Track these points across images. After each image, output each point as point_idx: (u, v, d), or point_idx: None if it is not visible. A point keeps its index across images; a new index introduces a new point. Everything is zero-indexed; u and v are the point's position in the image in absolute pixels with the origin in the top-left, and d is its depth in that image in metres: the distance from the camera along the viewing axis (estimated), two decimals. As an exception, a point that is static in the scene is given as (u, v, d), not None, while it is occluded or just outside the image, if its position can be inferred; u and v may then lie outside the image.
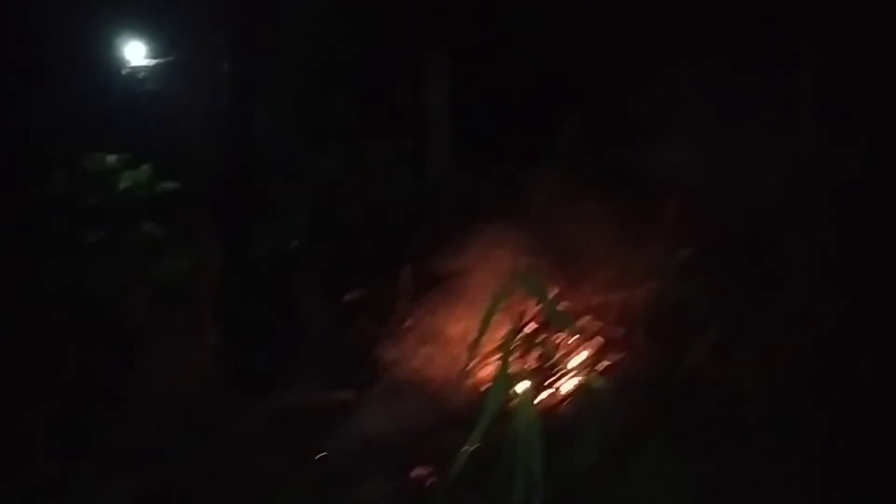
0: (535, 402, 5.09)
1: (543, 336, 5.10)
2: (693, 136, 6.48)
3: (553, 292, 5.67)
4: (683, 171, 6.20)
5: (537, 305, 4.04)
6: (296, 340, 6.08)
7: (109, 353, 5.38)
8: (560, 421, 4.62)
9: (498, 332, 3.19)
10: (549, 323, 5.03)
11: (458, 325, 5.87)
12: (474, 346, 2.70)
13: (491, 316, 2.71)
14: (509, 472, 2.60)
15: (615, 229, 6.07)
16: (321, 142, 7.46)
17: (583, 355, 5.00)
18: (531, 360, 5.23)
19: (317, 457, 4.58)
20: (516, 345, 2.66)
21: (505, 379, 2.57)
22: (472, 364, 3.71)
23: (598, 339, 5.11)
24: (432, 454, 4.49)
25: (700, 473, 3.95)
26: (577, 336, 2.84)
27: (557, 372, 5.00)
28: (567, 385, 5.00)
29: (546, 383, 5.19)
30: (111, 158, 6.98)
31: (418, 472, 4.32)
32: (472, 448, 2.60)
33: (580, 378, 4.22)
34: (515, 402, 2.55)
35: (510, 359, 2.63)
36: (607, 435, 3.92)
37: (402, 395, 5.30)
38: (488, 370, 5.05)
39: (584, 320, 5.27)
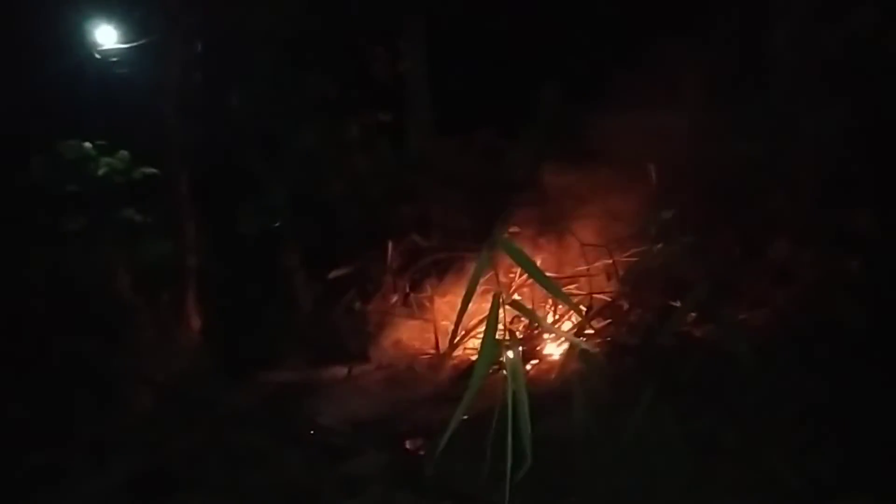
0: (525, 369, 5.15)
1: (530, 304, 5.11)
2: (674, 102, 6.48)
3: (538, 260, 5.70)
4: (665, 135, 6.20)
5: (522, 273, 4.02)
6: (283, 319, 6.05)
7: (95, 338, 5.32)
8: (550, 386, 4.63)
9: (484, 304, 3.18)
10: (536, 290, 5.05)
11: (445, 297, 5.87)
12: (460, 317, 2.68)
13: (475, 285, 2.68)
14: (499, 437, 2.58)
15: (598, 196, 6.07)
16: (299, 118, 7.36)
17: (570, 322, 5.02)
18: (519, 329, 5.25)
19: (308, 433, 4.57)
20: (503, 312, 2.62)
21: (492, 345, 2.55)
22: (459, 336, 3.70)
23: (586, 305, 5.12)
24: (423, 426, 4.51)
25: (691, 431, 3.98)
26: (564, 302, 2.82)
27: (546, 339, 5.03)
28: (556, 351, 5.03)
29: (535, 350, 5.22)
30: (88, 145, 6.89)
31: (410, 443, 4.33)
32: (463, 416, 2.58)
33: (568, 343, 4.21)
34: (504, 366, 2.53)
35: (497, 327, 2.60)
36: (597, 398, 3.92)
37: (391, 369, 5.31)
38: (476, 342, 5.07)
39: (571, 287, 5.27)
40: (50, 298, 5.85)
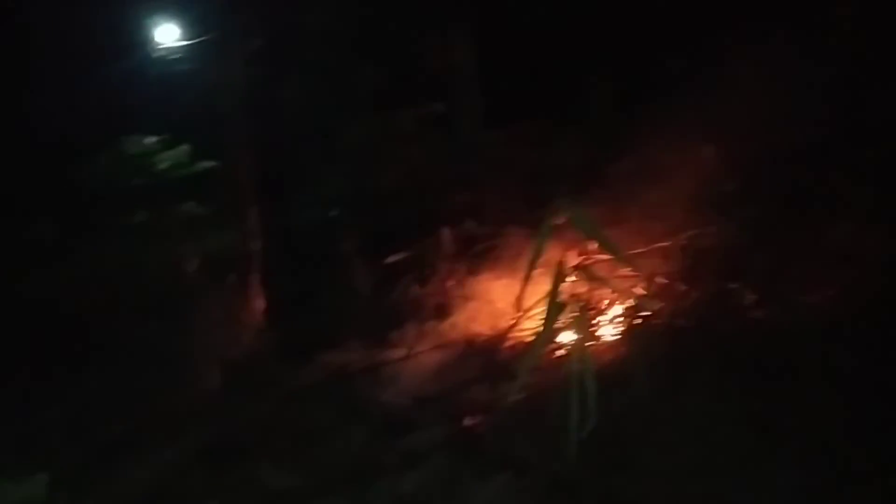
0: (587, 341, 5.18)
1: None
2: (729, 86, 6.42)
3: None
4: (721, 120, 6.15)
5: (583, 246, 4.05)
6: (342, 303, 6.19)
7: (164, 321, 5.55)
8: (609, 366, 4.66)
9: (541, 286, 3.24)
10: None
11: (499, 281, 5.92)
12: (528, 274, 2.75)
13: (540, 250, 2.75)
14: (565, 400, 2.65)
15: (653, 179, 6.06)
16: (354, 110, 7.50)
17: (631, 299, 5.02)
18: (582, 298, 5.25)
19: (371, 409, 4.69)
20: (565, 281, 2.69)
21: (557, 307, 2.62)
22: (521, 308, 3.73)
23: (646, 284, 5.12)
24: (481, 404, 4.59)
25: (751, 410, 3.98)
26: (627, 274, 2.86)
27: (607, 312, 5.04)
28: (617, 325, 5.04)
29: (597, 322, 5.23)
30: (150, 140, 7.15)
31: (469, 419, 4.41)
32: (532, 366, 2.66)
33: (630, 316, 4.23)
34: (568, 324, 2.60)
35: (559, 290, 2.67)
36: (657, 375, 3.95)
37: (449, 350, 5.39)
38: (532, 324, 5.11)
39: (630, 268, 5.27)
40: (119, 286, 6.10)
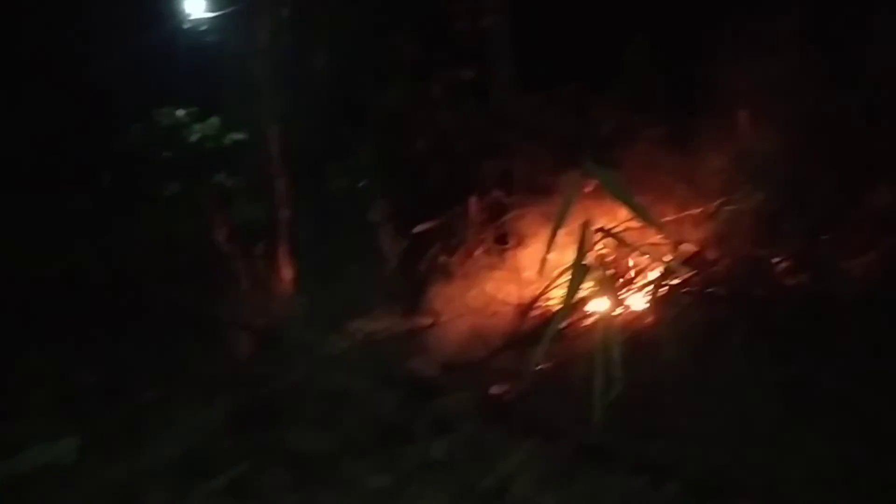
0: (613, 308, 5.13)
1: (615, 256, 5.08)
2: (769, 49, 6.24)
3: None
4: (760, 83, 5.99)
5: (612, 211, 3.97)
6: (370, 272, 6.21)
7: (195, 288, 5.63)
8: (639, 334, 4.61)
9: (568, 255, 3.18)
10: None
11: (528, 249, 5.87)
12: (552, 239, 2.71)
13: (565, 210, 2.71)
14: (591, 364, 2.62)
15: (689, 145, 5.94)
16: (384, 78, 7.46)
17: (660, 265, 4.94)
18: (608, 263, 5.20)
19: (401, 375, 4.71)
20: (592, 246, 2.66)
21: (582, 269, 2.58)
22: (545, 274, 3.69)
23: (677, 250, 5.04)
24: (508, 371, 4.58)
25: (783, 376, 3.92)
26: (657, 240, 2.80)
27: (636, 277, 4.98)
28: (647, 291, 4.98)
29: (621, 300, 5.19)
30: (181, 112, 7.21)
31: (497, 386, 4.40)
32: (558, 328, 2.63)
33: (661, 282, 4.16)
34: (595, 290, 2.56)
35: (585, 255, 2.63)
36: (689, 342, 3.90)
37: (477, 317, 5.38)
38: (558, 293, 5.07)
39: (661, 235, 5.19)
40: (152, 254, 6.20)
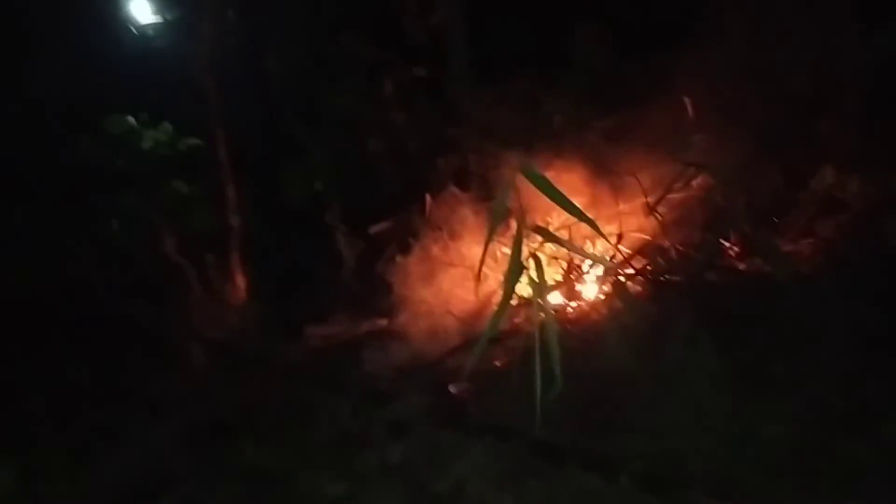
0: (564, 306, 5.15)
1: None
2: (719, 38, 6.29)
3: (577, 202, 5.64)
4: (709, 72, 6.04)
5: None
6: (327, 275, 6.16)
7: (144, 301, 5.53)
8: (591, 326, 4.63)
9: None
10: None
11: (489, 245, 5.85)
12: (488, 239, 2.71)
13: (499, 214, 2.69)
14: (530, 367, 2.61)
15: (640, 135, 5.97)
16: (335, 78, 7.39)
17: (608, 260, 4.97)
18: (558, 271, 5.24)
19: (356, 382, 4.67)
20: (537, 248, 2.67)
21: (517, 268, 2.57)
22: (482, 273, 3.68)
23: (617, 241, 5.06)
24: (466, 371, 4.56)
25: (735, 362, 3.94)
26: (592, 228, 2.82)
27: (584, 281, 5.00)
28: (595, 293, 5.01)
29: (575, 292, 5.21)
30: (132, 119, 7.06)
31: (453, 387, 4.38)
32: (489, 337, 2.62)
33: (607, 281, 4.18)
34: (531, 291, 2.55)
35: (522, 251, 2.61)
36: (638, 333, 3.91)
37: (434, 318, 5.35)
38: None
39: (610, 228, 5.21)
40: (100, 267, 6.07)
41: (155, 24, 7.67)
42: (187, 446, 4.12)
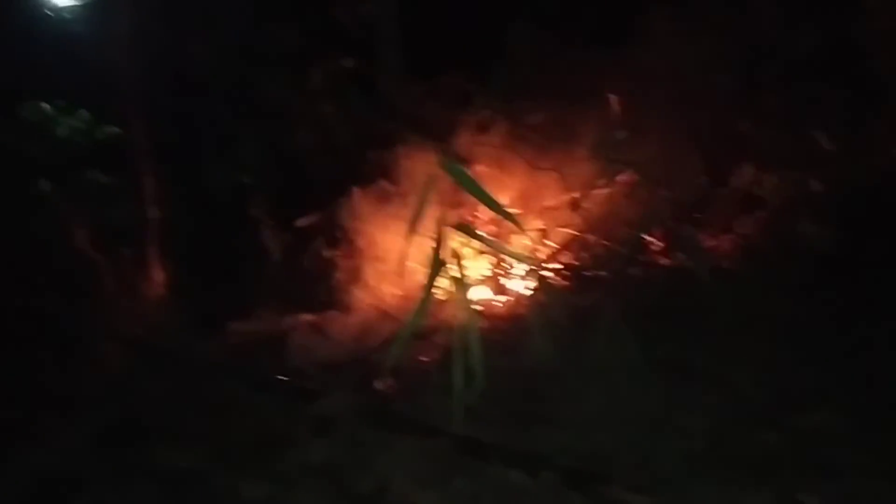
0: (491, 300, 5.16)
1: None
2: (645, 37, 6.39)
3: (504, 199, 5.67)
4: (635, 69, 6.13)
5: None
6: (252, 269, 6.01)
7: (56, 296, 5.29)
8: (519, 321, 4.64)
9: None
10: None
11: (414, 241, 5.80)
12: (411, 235, 2.67)
13: (421, 210, 2.65)
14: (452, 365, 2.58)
15: (566, 132, 6.01)
16: (264, 68, 7.22)
17: (534, 255, 5.00)
18: (489, 266, 5.24)
19: (279, 379, 4.56)
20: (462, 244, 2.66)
21: (438, 266, 2.54)
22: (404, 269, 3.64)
23: (550, 238, 5.10)
24: (392, 367, 4.50)
25: (657, 356, 4.00)
26: (512, 222, 2.82)
27: (509, 273, 5.01)
28: (520, 284, 5.02)
29: (504, 287, 5.22)
30: (47, 106, 6.75)
31: (379, 383, 4.33)
32: (408, 336, 2.58)
33: (533, 276, 4.20)
34: (452, 292, 2.53)
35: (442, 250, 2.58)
36: (563, 328, 3.92)
37: (361, 313, 5.28)
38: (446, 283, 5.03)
39: (537, 223, 5.25)
40: (11, 259, 5.78)
41: (72, 6, 7.37)
42: (100, 446, 3.94)
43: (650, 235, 4.99)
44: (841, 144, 5.26)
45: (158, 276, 5.78)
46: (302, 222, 6.21)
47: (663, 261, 4.90)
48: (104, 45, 6.55)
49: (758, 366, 4.05)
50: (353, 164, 6.76)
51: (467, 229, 2.70)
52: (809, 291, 4.55)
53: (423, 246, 4.79)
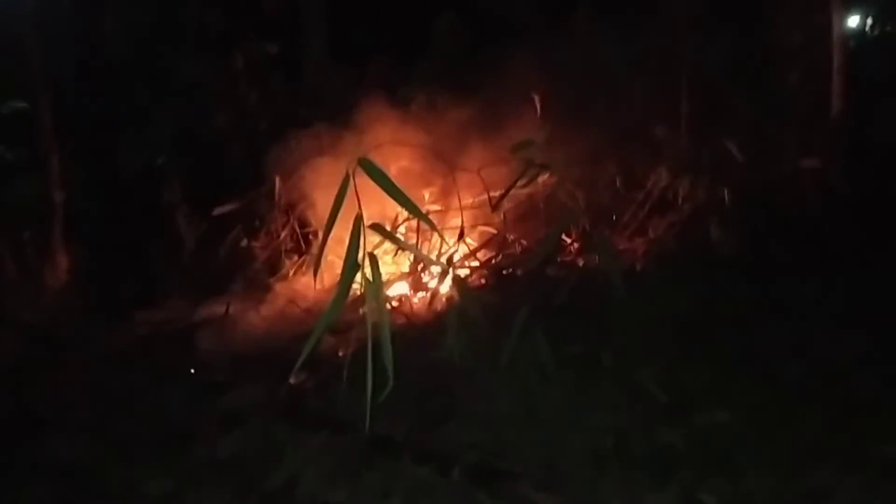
0: (409, 297, 5.15)
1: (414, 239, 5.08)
2: (566, 36, 6.48)
3: (426, 194, 5.67)
4: (556, 68, 6.21)
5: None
6: (164, 258, 5.81)
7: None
8: (434, 318, 4.65)
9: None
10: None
11: (333, 233, 5.73)
12: (324, 241, 2.63)
13: (338, 207, 2.62)
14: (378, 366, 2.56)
15: (488, 132, 6.05)
16: (182, 48, 6.98)
17: (452, 252, 5.01)
18: (405, 263, 5.23)
19: (187, 371, 4.43)
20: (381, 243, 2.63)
21: (353, 266, 2.51)
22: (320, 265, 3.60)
23: (472, 236, 5.13)
24: (307, 361, 4.43)
25: (567, 353, 4.06)
26: (425, 223, 2.83)
27: (427, 270, 5.02)
28: (437, 282, 5.02)
29: (422, 283, 5.21)
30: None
31: (294, 377, 4.25)
32: (321, 334, 2.54)
33: (450, 274, 4.21)
34: (365, 290, 2.50)
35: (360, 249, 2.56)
36: (476, 326, 3.94)
37: (277, 305, 5.19)
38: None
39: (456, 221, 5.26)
40: None
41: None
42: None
43: (566, 236, 5.07)
44: (750, 153, 5.47)
45: (62, 261, 5.53)
46: (219, 210, 6.03)
47: (578, 261, 5.00)
48: (11, 16, 6.21)
49: (663, 366, 4.16)
50: (276, 152, 6.62)
51: (380, 229, 2.68)
52: (714, 294, 4.71)
53: (342, 241, 4.79)
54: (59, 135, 6.14)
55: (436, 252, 5.09)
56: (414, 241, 4.51)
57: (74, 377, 4.30)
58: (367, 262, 2.55)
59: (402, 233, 5.04)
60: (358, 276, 2.68)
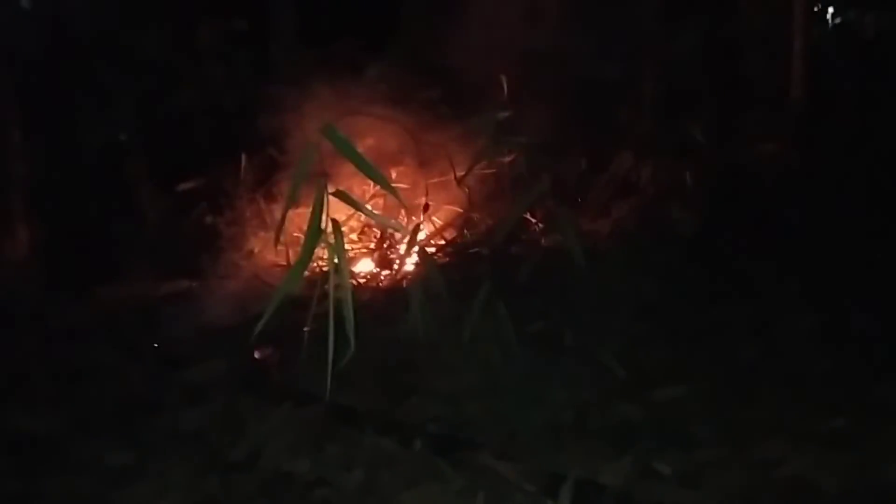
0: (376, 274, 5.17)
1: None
2: (535, 19, 6.50)
3: (393, 173, 5.67)
4: (523, 52, 6.23)
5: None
6: (128, 233, 5.75)
7: None
8: (400, 294, 4.67)
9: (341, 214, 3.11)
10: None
11: (298, 209, 5.72)
12: (284, 213, 2.64)
13: (300, 177, 2.63)
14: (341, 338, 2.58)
15: (457, 109, 6.06)
16: (149, 22, 6.87)
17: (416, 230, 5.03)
18: (372, 239, 5.24)
19: (150, 345, 4.41)
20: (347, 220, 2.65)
21: (315, 234, 2.52)
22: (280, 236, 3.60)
23: (438, 214, 5.16)
24: (272, 336, 4.44)
25: (529, 331, 4.13)
26: (391, 193, 2.85)
27: (393, 247, 5.04)
28: (402, 258, 5.06)
29: (389, 259, 5.24)
30: None
31: (258, 352, 4.26)
32: (278, 304, 2.56)
33: (415, 250, 4.24)
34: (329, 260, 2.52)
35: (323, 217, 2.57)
36: (440, 302, 3.98)
37: (242, 281, 5.17)
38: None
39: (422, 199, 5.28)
40: None
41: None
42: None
43: (530, 216, 5.12)
44: (712, 137, 5.57)
45: (21, 234, 5.44)
46: (184, 186, 5.98)
47: (541, 240, 5.06)
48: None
49: (623, 343, 4.24)
50: (240, 128, 6.57)
51: (345, 196, 2.69)
52: (674, 273, 4.81)
53: (306, 215, 4.78)
54: (20, 107, 6.01)
55: (402, 229, 5.10)
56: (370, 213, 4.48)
57: (34, 350, 4.24)
58: (329, 228, 2.55)
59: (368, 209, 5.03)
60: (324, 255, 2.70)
